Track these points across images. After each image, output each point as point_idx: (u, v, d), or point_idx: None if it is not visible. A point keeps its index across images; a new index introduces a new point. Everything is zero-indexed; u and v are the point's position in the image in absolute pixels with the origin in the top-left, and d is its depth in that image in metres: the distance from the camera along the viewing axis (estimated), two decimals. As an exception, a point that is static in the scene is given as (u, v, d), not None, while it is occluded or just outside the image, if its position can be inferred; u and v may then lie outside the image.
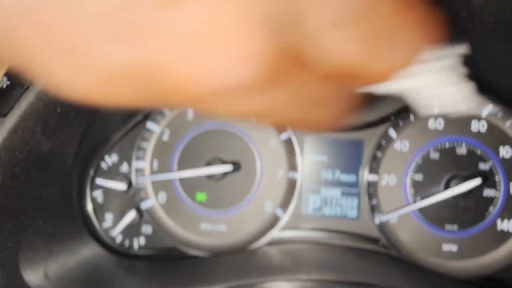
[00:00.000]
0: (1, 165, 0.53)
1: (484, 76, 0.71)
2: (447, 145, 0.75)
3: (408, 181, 0.75)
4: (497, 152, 0.74)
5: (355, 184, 0.77)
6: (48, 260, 0.65)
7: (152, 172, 0.79)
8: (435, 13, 0.29)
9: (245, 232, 0.78)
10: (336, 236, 0.76)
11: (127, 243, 0.80)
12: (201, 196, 0.78)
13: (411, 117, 0.76)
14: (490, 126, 0.74)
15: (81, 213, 0.77)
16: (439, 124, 0.75)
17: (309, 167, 0.77)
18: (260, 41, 0.22)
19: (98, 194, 0.80)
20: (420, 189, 0.75)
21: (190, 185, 0.78)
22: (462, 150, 0.74)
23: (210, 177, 0.77)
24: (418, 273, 0.71)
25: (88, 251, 0.74)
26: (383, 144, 0.76)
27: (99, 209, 0.80)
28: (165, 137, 0.79)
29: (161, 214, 0.79)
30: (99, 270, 0.73)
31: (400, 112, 0.75)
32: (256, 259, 0.74)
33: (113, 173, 0.80)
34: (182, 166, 0.78)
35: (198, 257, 0.77)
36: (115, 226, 0.79)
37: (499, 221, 0.74)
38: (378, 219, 0.76)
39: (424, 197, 0.74)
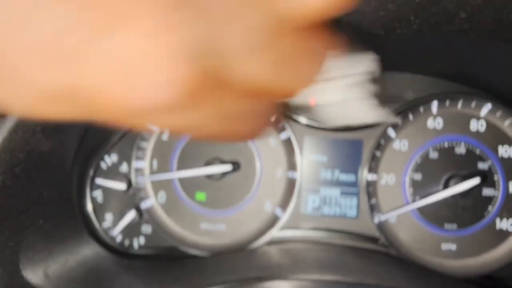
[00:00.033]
0: (1, 165, 0.53)
1: (483, 76, 0.72)
2: (446, 145, 0.75)
3: (407, 180, 0.75)
4: (496, 151, 0.74)
5: (354, 184, 0.77)
6: (48, 259, 0.65)
7: (152, 172, 0.79)
8: (334, 39, 0.33)
9: (245, 231, 0.78)
10: (335, 236, 0.76)
11: (127, 242, 0.80)
12: (201, 196, 0.78)
13: (410, 117, 0.76)
14: (489, 125, 0.74)
15: (81, 213, 0.77)
16: (438, 124, 0.75)
17: (308, 166, 0.78)
18: (180, 68, 0.25)
19: (98, 194, 0.80)
20: (419, 189, 0.75)
21: (189, 185, 0.79)
22: (461, 150, 0.75)
23: (209, 176, 0.77)
24: (418, 272, 0.72)
25: (88, 250, 0.74)
26: (382, 144, 0.76)
27: (99, 209, 0.80)
28: (165, 137, 0.79)
29: (161, 213, 0.79)
30: (99, 270, 0.73)
31: (399, 112, 0.76)
32: (255, 259, 0.74)
33: (113, 173, 0.80)
34: (181, 166, 0.78)
35: (198, 257, 0.77)
36: (115, 226, 0.79)
37: (498, 220, 0.74)
38: (377, 218, 0.76)
39: (423, 196, 0.74)
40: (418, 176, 0.75)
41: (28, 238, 0.61)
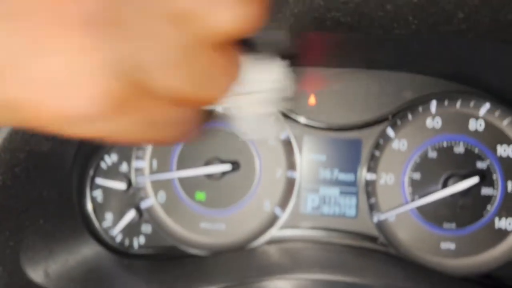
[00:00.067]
0: (1, 165, 0.53)
1: (481, 76, 0.72)
2: (445, 144, 0.75)
3: (406, 179, 0.76)
4: (495, 150, 0.74)
5: (353, 183, 0.77)
6: (48, 259, 0.66)
7: (152, 172, 0.79)
8: (246, 55, 0.38)
9: (244, 231, 0.78)
10: (334, 235, 0.77)
11: (127, 242, 0.80)
12: (201, 196, 0.79)
13: (409, 116, 0.76)
14: (488, 125, 0.74)
15: (81, 213, 0.78)
16: (437, 123, 0.75)
17: (307, 166, 0.78)
18: (104, 82, 0.29)
19: (98, 194, 0.80)
20: (418, 188, 0.75)
21: (189, 185, 0.79)
22: (459, 149, 0.75)
23: (209, 176, 0.77)
24: (417, 271, 0.72)
25: (88, 250, 0.74)
26: (381, 143, 0.76)
27: (99, 209, 0.80)
28: (165, 137, 0.79)
29: (161, 213, 0.79)
30: (99, 269, 0.73)
31: (398, 111, 0.76)
32: (255, 258, 0.74)
33: (112, 172, 0.80)
34: (181, 165, 0.79)
35: (198, 256, 0.78)
36: (115, 226, 0.80)
37: (496, 219, 0.74)
38: (376, 217, 0.76)
39: (422, 195, 0.74)
40: (417, 176, 0.75)
41: (28, 238, 0.62)
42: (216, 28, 0.32)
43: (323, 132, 0.77)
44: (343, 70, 0.77)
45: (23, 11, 0.27)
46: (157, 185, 0.79)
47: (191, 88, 0.33)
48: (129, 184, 0.80)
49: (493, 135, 0.74)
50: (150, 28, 0.30)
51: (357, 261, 0.72)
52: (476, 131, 0.75)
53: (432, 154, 0.75)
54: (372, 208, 0.77)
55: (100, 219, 0.80)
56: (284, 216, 0.78)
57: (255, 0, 0.32)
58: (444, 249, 0.75)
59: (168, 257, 0.78)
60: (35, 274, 0.62)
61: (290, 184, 0.78)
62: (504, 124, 0.74)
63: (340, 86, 0.77)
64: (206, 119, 0.41)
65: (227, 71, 0.35)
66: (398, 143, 0.76)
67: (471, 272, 0.74)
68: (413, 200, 0.75)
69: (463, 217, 0.74)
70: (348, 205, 0.77)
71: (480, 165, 0.74)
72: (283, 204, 0.78)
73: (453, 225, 0.74)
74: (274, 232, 0.78)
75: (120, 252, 0.79)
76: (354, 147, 0.77)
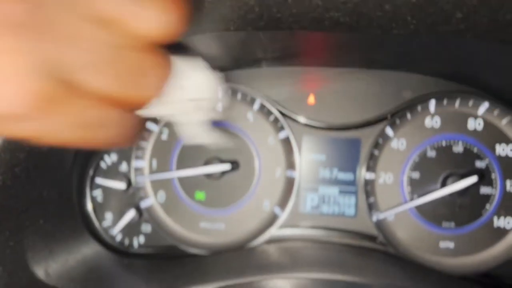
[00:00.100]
0: (1, 165, 0.53)
1: (480, 76, 0.72)
2: (443, 143, 0.75)
3: (405, 179, 0.76)
4: (493, 150, 0.74)
5: (352, 182, 0.77)
6: (48, 258, 0.66)
7: (151, 171, 0.79)
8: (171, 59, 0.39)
9: (244, 230, 0.78)
10: (334, 234, 0.77)
11: (126, 241, 0.80)
12: (200, 195, 0.79)
13: (408, 116, 0.76)
14: (487, 124, 0.75)
15: (81, 212, 0.78)
16: (436, 123, 0.76)
17: (307, 165, 0.78)
18: (29, 82, 0.30)
19: (98, 194, 0.80)
20: (417, 187, 0.75)
21: (189, 184, 0.79)
22: (458, 148, 0.75)
23: (208, 176, 0.78)
24: (416, 270, 0.72)
25: (88, 250, 0.74)
26: (380, 143, 0.77)
27: (99, 208, 0.80)
28: (164, 137, 0.79)
29: (161, 213, 0.80)
30: (99, 269, 0.73)
31: (397, 111, 0.76)
32: (254, 257, 0.74)
33: (112, 172, 0.80)
34: (181, 165, 0.79)
35: (197, 255, 0.78)
36: (114, 225, 0.80)
37: (495, 218, 0.74)
38: (375, 217, 0.77)
39: (421, 195, 0.75)
40: (416, 175, 0.76)
41: (28, 237, 0.62)
42: (139, 32, 0.33)
43: (323, 131, 0.78)
44: (343, 70, 0.77)
45: None
46: (157, 185, 0.79)
47: (119, 88, 0.34)
48: (129, 183, 0.80)
49: (492, 134, 0.74)
50: (75, 30, 0.31)
51: (356, 260, 0.72)
52: (475, 130, 0.75)
53: (431, 154, 0.75)
54: (371, 207, 0.77)
55: (100, 218, 0.80)
56: (283, 216, 0.78)
57: (177, 6, 0.34)
58: (443, 248, 0.75)
59: (167, 256, 0.79)
60: (35, 273, 0.62)
61: (289, 183, 0.78)
62: (503, 123, 0.74)
63: (339, 86, 0.77)
64: (140, 123, 0.42)
65: (155, 73, 0.37)
66: (397, 143, 0.76)
67: (470, 271, 0.74)
68: (412, 199, 0.75)
69: (462, 216, 0.75)
70: (347, 204, 0.77)
71: (479, 164, 0.74)
72: (283, 203, 0.78)
73: (452, 224, 0.75)
74: (274, 231, 0.78)
75: (120, 251, 0.79)
76: (353, 146, 0.77)
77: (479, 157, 0.74)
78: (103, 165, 0.80)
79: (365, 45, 0.64)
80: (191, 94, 0.44)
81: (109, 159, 0.80)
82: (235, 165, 0.78)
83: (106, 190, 0.80)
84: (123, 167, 0.80)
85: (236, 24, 0.52)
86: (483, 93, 0.75)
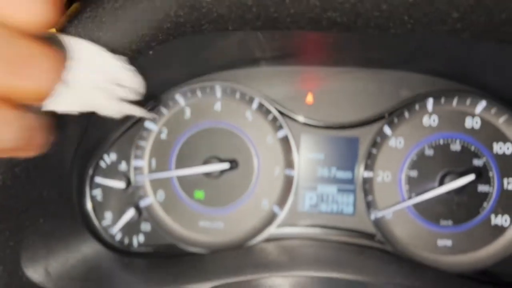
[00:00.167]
0: (1, 165, 0.53)
1: (477, 74, 0.72)
2: (441, 142, 0.76)
3: (403, 177, 0.76)
4: (491, 148, 0.75)
5: (351, 181, 0.78)
6: (48, 258, 0.66)
7: (151, 171, 0.80)
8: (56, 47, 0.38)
9: (243, 229, 0.78)
10: (332, 232, 0.77)
11: (126, 240, 0.81)
12: (199, 194, 0.79)
13: (406, 114, 0.76)
14: (484, 122, 0.75)
15: (80, 212, 0.78)
16: (434, 121, 0.76)
17: (305, 164, 0.78)
18: None
19: (98, 193, 0.81)
20: (415, 185, 0.76)
21: (188, 183, 0.79)
22: (456, 147, 0.75)
23: (207, 175, 0.78)
24: (413, 268, 0.72)
25: (88, 249, 0.75)
26: (378, 141, 0.77)
27: (99, 208, 0.81)
28: (163, 136, 0.80)
29: (160, 212, 0.80)
30: (99, 268, 0.73)
31: (395, 110, 0.76)
32: (253, 256, 0.75)
33: (112, 171, 0.80)
34: (180, 164, 0.79)
35: (197, 254, 0.78)
36: (114, 224, 0.80)
37: (493, 216, 0.75)
38: (373, 215, 0.77)
39: (419, 193, 0.75)
40: (414, 173, 0.76)
41: (28, 237, 0.62)
42: (14, 22, 0.33)
43: (321, 130, 0.78)
44: (341, 69, 0.77)
45: None
46: (156, 184, 0.80)
47: (4, 79, 0.33)
48: (128, 183, 0.80)
49: (489, 133, 0.75)
50: None
51: (354, 258, 0.73)
52: (472, 129, 0.75)
53: (429, 152, 0.76)
54: (370, 205, 0.77)
55: (100, 218, 0.80)
56: (282, 214, 0.78)
57: None
58: (441, 246, 0.75)
59: (167, 255, 0.79)
60: (36, 273, 0.63)
61: (288, 182, 0.78)
62: (500, 121, 0.75)
63: (338, 85, 0.78)
64: (47, 126, 0.41)
65: (40, 63, 0.36)
66: (395, 141, 0.77)
67: (468, 268, 0.75)
68: (410, 197, 0.76)
69: (459, 214, 0.75)
70: (345, 203, 0.78)
71: (477, 162, 0.75)
72: (281, 202, 0.78)
73: (450, 222, 0.75)
74: (272, 230, 0.78)
75: (119, 250, 0.79)
76: (351, 145, 0.78)
77: (476, 155, 0.75)
78: (102, 164, 0.80)
79: (362, 45, 0.65)
80: (97, 80, 0.45)
81: (109, 159, 0.80)
82: (234, 164, 0.78)
83: (105, 189, 0.80)
84: (123, 166, 0.80)
85: (234, 24, 0.52)
86: (480, 92, 0.75)
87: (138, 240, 0.81)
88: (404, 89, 0.76)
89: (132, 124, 0.80)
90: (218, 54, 0.70)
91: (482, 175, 0.74)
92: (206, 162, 0.78)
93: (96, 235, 0.78)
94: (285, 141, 0.78)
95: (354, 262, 0.72)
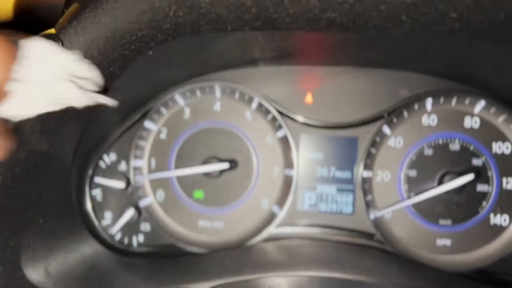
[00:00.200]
0: (1, 165, 0.53)
1: (476, 74, 0.72)
2: (440, 141, 0.76)
3: (402, 177, 0.76)
4: (490, 148, 0.75)
5: (350, 181, 0.78)
6: (48, 258, 0.66)
7: (150, 171, 0.80)
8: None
9: (242, 228, 0.79)
10: (331, 232, 0.77)
11: (126, 240, 0.81)
12: (199, 194, 0.79)
13: (405, 114, 0.77)
14: (483, 122, 0.75)
15: (80, 212, 0.78)
16: (433, 121, 0.76)
17: (305, 164, 0.78)
18: None
19: (97, 193, 0.81)
20: (414, 185, 0.76)
21: (187, 183, 0.79)
22: (455, 146, 0.75)
23: (207, 175, 0.78)
24: (413, 268, 0.72)
25: (88, 248, 0.75)
26: (377, 141, 0.77)
27: (98, 207, 0.81)
28: (163, 136, 0.80)
29: (159, 212, 0.80)
30: (99, 267, 0.73)
31: (394, 109, 0.76)
32: (253, 255, 0.75)
33: (111, 171, 0.81)
34: (179, 164, 0.79)
35: (196, 254, 0.78)
36: (114, 224, 0.80)
37: (492, 215, 0.75)
38: (373, 214, 0.77)
39: (418, 192, 0.75)
40: (413, 173, 0.76)
41: (28, 237, 0.62)
42: None
43: (320, 130, 0.78)
44: (340, 69, 0.78)
45: None
46: (156, 184, 0.80)
47: None
48: (128, 183, 0.80)
49: (489, 132, 0.75)
50: None
51: (353, 258, 0.73)
52: (471, 129, 0.75)
53: (428, 152, 0.76)
54: (369, 205, 0.77)
55: (100, 217, 0.81)
56: (281, 214, 0.78)
57: None
58: (440, 246, 0.75)
59: (167, 255, 0.79)
60: (35, 273, 0.63)
61: (287, 182, 0.78)
62: (499, 121, 0.75)
63: (337, 84, 0.78)
64: (4, 131, 0.40)
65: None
66: (394, 141, 0.77)
67: (467, 268, 0.75)
68: (409, 197, 0.76)
69: (458, 214, 0.75)
70: (345, 203, 0.78)
71: (476, 162, 0.75)
72: (281, 202, 0.78)
73: (449, 222, 0.75)
74: (272, 229, 0.78)
75: (119, 250, 0.79)
76: (350, 145, 0.78)
77: (475, 155, 0.75)
78: (102, 164, 0.80)
79: (361, 45, 0.65)
80: (55, 75, 0.45)
81: (108, 159, 0.80)
82: (233, 164, 0.78)
83: (105, 189, 0.80)
84: (122, 166, 0.81)
85: (233, 25, 0.52)
86: (479, 92, 0.75)
87: (137, 240, 0.81)
88: (403, 89, 0.76)
89: (131, 124, 0.80)
90: (217, 54, 0.70)
91: (481, 174, 0.74)
92: (205, 162, 0.78)
93: (96, 235, 0.79)
94: (284, 141, 0.79)
95: (353, 261, 0.72)
